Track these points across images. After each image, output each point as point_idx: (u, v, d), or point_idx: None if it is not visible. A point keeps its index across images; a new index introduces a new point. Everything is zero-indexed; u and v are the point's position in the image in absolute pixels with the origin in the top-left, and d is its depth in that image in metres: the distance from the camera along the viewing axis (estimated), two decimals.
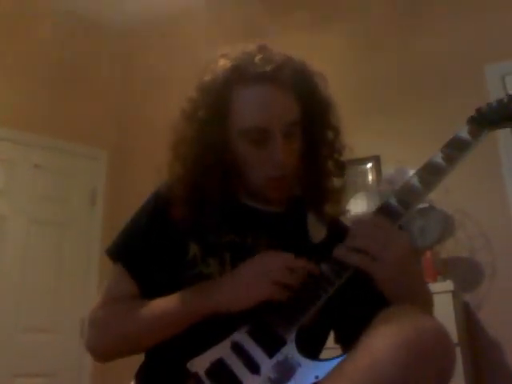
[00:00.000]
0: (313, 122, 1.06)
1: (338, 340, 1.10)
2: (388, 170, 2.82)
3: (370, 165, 2.92)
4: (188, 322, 0.94)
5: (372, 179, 2.91)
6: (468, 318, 2.53)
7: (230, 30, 3.32)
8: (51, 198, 3.49)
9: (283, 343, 0.88)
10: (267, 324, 0.90)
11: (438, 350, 0.75)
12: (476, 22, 2.92)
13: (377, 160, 2.92)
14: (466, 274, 2.61)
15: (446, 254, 2.63)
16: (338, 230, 1.07)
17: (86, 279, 3.45)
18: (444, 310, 2.19)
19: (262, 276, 0.91)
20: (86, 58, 3.79)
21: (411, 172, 2.71)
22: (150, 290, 1.01)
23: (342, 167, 1.11)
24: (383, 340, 0.75)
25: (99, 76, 3.85)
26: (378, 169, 2.91)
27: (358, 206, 2.54)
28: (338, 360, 0.81)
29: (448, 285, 2.29)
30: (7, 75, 3.47)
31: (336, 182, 1.10)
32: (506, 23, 2.85)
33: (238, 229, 1.04)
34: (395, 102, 3.02)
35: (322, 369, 0.83)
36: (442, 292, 2.24)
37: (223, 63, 1.02)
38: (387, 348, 0.74)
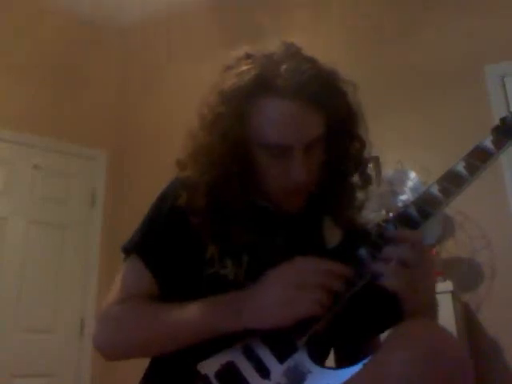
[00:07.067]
0: (338, 134, 1.02)
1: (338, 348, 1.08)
2: (388, 170, 2.82)
3: (369, 165, 2.92)
4: (212, 336, 0.90)
5: (372, 180, 2.90)
6: (467, 319, 2.54)
7: (230, 29, 3.31)
8: (50, 199, 3.49)
9: (295, 349, 0.88)
10: (280, 329, 0.88)
11: (453, 367, 0.74)
12: (476, 21, 2.93)
13: (376, 161, 2.92)
14: (466, 275, 2.61)
15: (446, 255, 2.64)
16: (355, 236, 1.05)
17: (85, 280, 3.45)
18: (443, 310, 2.16)
19: (301, 288, 0.85)
20: (86, 59, 3.78)
21: (411, 173, 2.71)
22: (166, 288, 0.99)
23: (366, 180, 1.09)
24: (398, 356, 0.74)
25: (99, 77, 3.84)
26: (377, 170, 2.91)
27: None
28: (351, 370, 0.80)
29: (448, 285, 2.30)
30: (7, 76, 3.46)
31: (359, 193, 1.08)
32: (506, 23, 2.85)
33: (255, 230, 1.01)
34: (395, 102, 3.02)
35: (334, 378, 0.82)
36: (441, 292, 2.23)
37: (247, 69, 0.97)
38: (401, 365, 0.73)
